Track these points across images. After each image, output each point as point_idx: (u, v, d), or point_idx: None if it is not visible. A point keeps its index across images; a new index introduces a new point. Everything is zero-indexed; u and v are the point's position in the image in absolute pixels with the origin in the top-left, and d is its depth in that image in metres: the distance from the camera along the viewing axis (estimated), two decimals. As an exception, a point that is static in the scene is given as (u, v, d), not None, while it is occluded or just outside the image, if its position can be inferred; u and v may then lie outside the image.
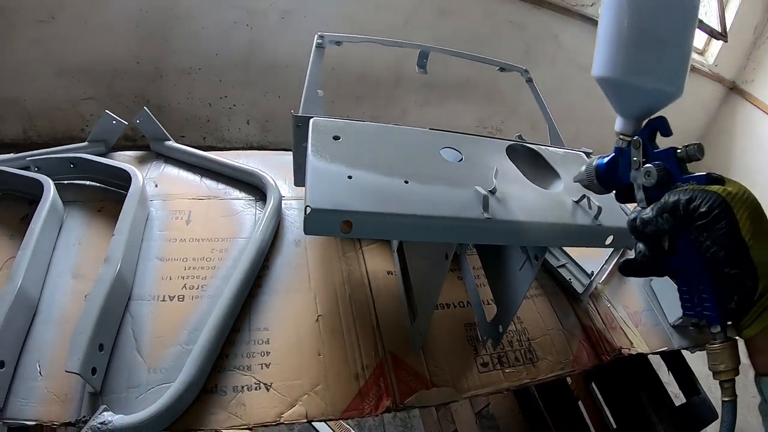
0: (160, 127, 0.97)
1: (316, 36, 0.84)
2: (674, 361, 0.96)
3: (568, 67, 2.72)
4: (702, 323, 0.46)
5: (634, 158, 0.52)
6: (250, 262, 0.77)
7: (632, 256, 0.52)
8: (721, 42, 3.03)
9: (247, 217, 0.89)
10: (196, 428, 0.64)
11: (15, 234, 0.81)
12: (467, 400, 1.10)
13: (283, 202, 0.91)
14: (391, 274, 0.85)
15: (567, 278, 0.92)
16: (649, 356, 0.94)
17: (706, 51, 3.27)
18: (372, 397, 0.70)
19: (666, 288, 0.97)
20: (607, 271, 0.97)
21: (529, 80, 0.98)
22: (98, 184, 0.90)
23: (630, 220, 0.49)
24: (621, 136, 0.53)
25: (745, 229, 0.41)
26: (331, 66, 2.16)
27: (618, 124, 0.54)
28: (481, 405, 1.07)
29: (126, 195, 0.82)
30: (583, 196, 0.68)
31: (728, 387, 0.45)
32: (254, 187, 0.93)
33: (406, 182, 0.61)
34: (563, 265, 0.94)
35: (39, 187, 0.84)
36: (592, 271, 0.93)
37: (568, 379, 1.05)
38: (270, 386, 0.69)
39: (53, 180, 0.85)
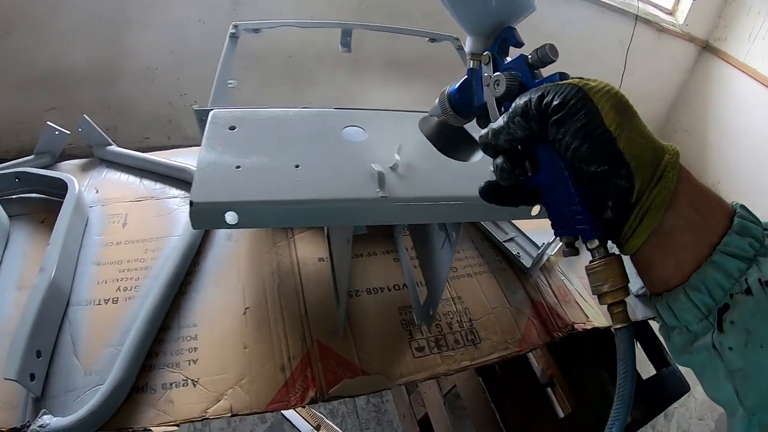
0: (101, 132, 0.98)
1: (230, 26, 0.83)
2: (641, 332, 0.91)
3: (523, 35, 2.62)
4: (577, 241, 0.41)
5: (485, 74, 0.46)
6: (178, 260, 0.78)
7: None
8: (690, 0, 2.88)
9: (182, 214, 0.89)
10: (127, 427, 0.65)
11: (-41, 252, 0.83)
12: (434, 382, 1.07)
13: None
14: (323, 260, 0.84)
15: (515, 252, 0.88)
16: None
17: (675, 10, 3.12)
18: (298, 388, 0.69)
19: (626, 258, 0.92)
20: (561, 243, 0.92)
21: (460, 48, 0.94)
22: (43, 196, 0.92)
23: (481, 135, 0.43)
24: (471, 56, 0.48)
25: (609, 119, 0.35)
26: (288, 54, 2.13)
27: (468, 44, 0.49)
28: (449, 386, 1.05)
29: (65, 204, 0.84)
30: None
31: (619, 311, 0.38)
32: (189, 184, 0.93)
33: (297, 166, 0.59)
34: (511, 239, 0.90)
35: (-17, 204, 0.86)
36: (543, 243, 0.88)
37: (535, 361, 1.01)
38: (197, 382, 0.69)
39: (0, 196, 0.87)
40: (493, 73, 0.45)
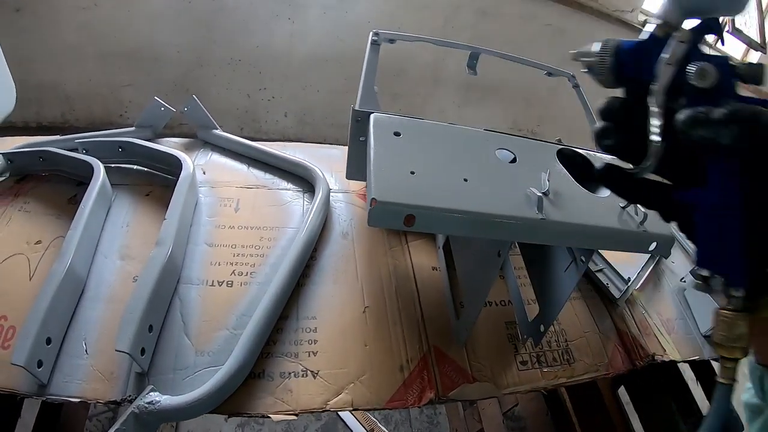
0: (207, 115, 0.98)
1: (371, 33, 0.86)
2: (702, 371, 0.97)
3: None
4: (718, 281, 0.36)
5: (674, 52, 0.39)
6: (299, 252, 0.79)
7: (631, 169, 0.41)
8: (759, 53, 3.01)
9: (295, 207, 0.90)
10: (243, 411, 0.66)
11: (62, 214, 0.83)
12: (495, 400, 1.11)
13: (330, 194, 0.92)
14: (436, 269, 0.87)
15: (605, 282, 0.93)
16: (678, 365, 0.95)
17: (744, 61, 3.25)
18: (415, 389, 0.71)
19: (699, 298, 0.98)
20: (643, 278, 0.98)
21: (576, 86, 0.99)
22: (146, 169, 0.92)
23: (680, 114, 0.36)
24: (661, 22, 0.41)
25: None
26: (400, 68, 2.18)
27: (663, 6, 0.42)
28: (510, 405, 1.08)
29: (174, 181, 0.84)
30: (632, 205, 0.69)
31: (729, 367, 0.36)
32: (302, 179, 0.95)
33: (466, 180, 0.63)
34: (601, 270, 0.95)
35: (88, 169, 0.85)
36: (629, 277, 0.94)
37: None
38: (317, 374, 0.70)
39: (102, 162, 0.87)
40: (689, 57, 0.39)
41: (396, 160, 0.62)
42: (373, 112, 0.71)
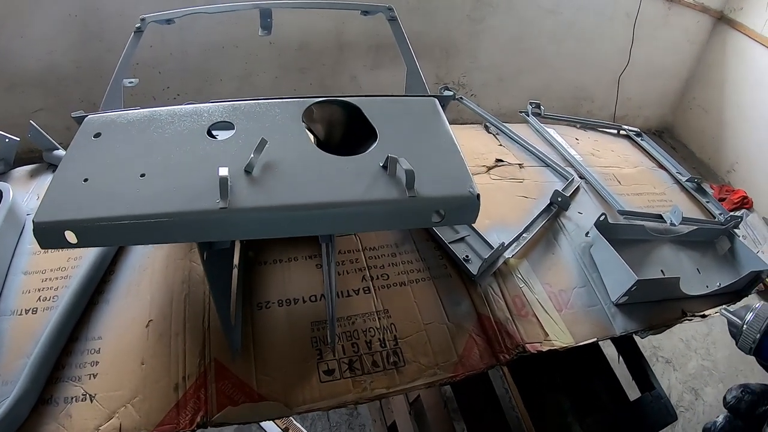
0: (48, 138, 0.97)
1: (138, 20, 0.76)
2: (624, 346, 0.75)
3: (529, 11, 2.37)
4: None
5: None
6: (89, 268, 0.75)
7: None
8: None
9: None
10: (30, 440, 0.64)
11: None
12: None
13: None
14: (236, 267, 0.76)
15: (462, 257, 0.74)
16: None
17: None
18: (189, 410, 0.64)
19: (610, 258, 0.75)
20: (527, 241, 0.77)
21: (392, 18, 0.79)
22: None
23: None
24: None
25: None
26: (269, 40, 2.02)
27: None
28: (414, 395, 0.95)
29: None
30: (393, 159, 0.52)
31: None
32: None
33: (142, 176, 0.52)
34: (461, 239, 0.76)
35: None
36: (502, 243, 0.74)
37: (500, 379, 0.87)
38: (94, 397, 0.66)
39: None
40: None
41: (76, 168, 0.55)
42: (87, 116, 0.63)
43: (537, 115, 1.18)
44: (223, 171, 0.49)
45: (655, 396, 0.70)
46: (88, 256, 0.79)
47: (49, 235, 0.50)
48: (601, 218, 0.77)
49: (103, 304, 0.74)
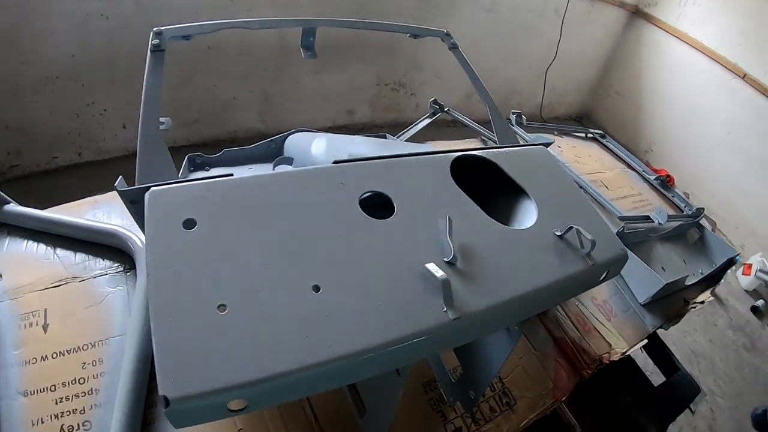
0: (-3, 191, 0.68)
1: (152, 34, 0.58)
2: (649, 341, 0.88)
3: (468, 11, 2.50)
4: None
5: None
6: (131, 380, 0.56)
7: None
8: None
9: (116, 300, 0.65)
10: None
11: None
12: None
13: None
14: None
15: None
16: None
17: None
18: None
19: (631, 267, 0.87)
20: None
21: (454, 46, 0.77)
22: None
23: None
24: None
25: None
26: (207, 45, 1.80)
27: None
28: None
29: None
30: (570, 228, 0.52)
31: None
32: (119, 251, 0.68)
33: (317, 289, 0.39)
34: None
35: None
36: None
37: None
38: None
39: None
40: None
41: (192, 287, 0.37)
42: (150, 187, 0.43)
43: (519, 124, 1.24)
44: (435, 269, 0.41)
45: (682, 375, 0.85)
46: (115, 354, 0.59)
47: (198, 412, 0.34)
48: (621, 230, 0.89)
49: (159, 422, 0.57)
